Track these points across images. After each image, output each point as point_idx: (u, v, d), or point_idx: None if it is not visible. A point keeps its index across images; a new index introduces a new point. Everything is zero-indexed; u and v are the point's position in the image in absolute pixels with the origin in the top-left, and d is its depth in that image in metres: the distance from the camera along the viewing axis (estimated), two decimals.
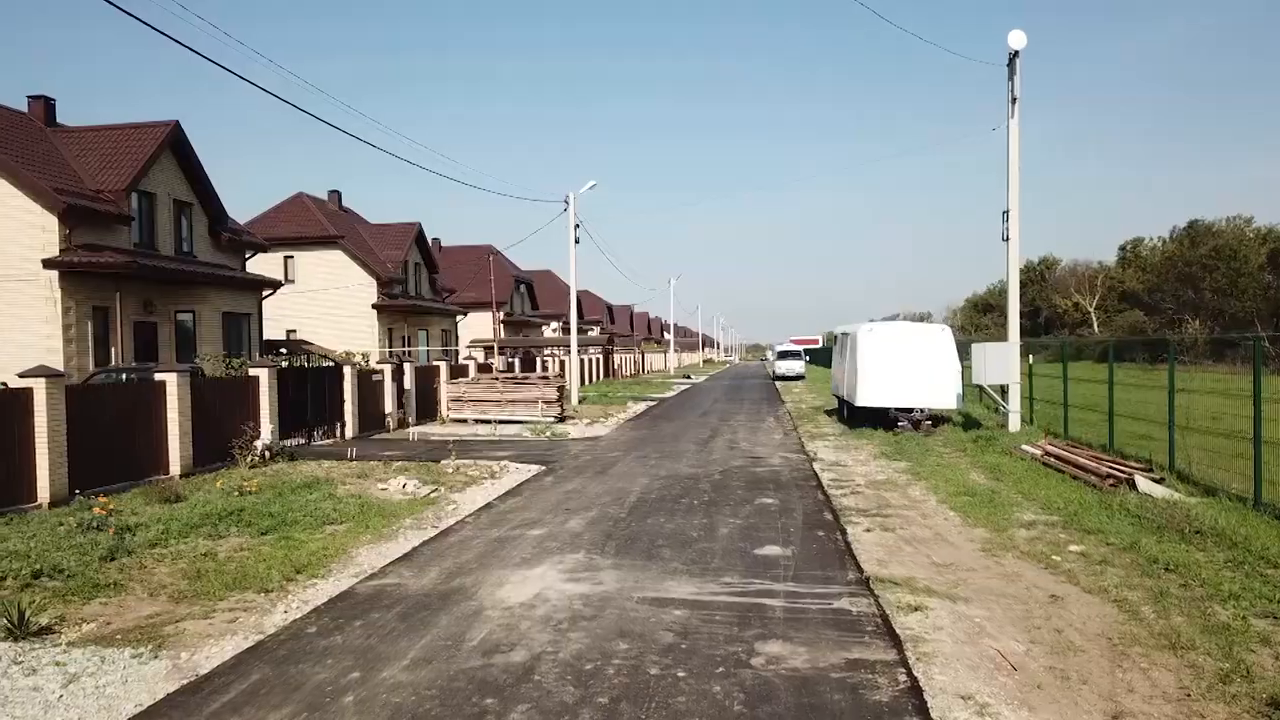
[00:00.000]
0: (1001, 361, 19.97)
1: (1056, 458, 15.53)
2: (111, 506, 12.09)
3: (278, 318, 39.14)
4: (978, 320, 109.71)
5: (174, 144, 26.29)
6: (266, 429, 17.67)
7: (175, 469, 15.28)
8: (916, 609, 7.84)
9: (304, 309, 39.48)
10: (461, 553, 10.08)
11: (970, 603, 8.07)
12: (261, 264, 35.82)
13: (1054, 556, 9.61)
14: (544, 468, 17.04)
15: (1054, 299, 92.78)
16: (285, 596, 8.46)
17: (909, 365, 21.36)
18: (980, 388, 23.30)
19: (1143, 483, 12.80)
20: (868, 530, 11.15)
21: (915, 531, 11.07)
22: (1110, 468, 13.82)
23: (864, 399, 21.62)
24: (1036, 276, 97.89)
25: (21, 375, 12.65)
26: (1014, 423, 20.18)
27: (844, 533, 10.99)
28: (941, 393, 21.34)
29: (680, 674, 6.26)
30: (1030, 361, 21.45)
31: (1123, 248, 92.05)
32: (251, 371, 18.36)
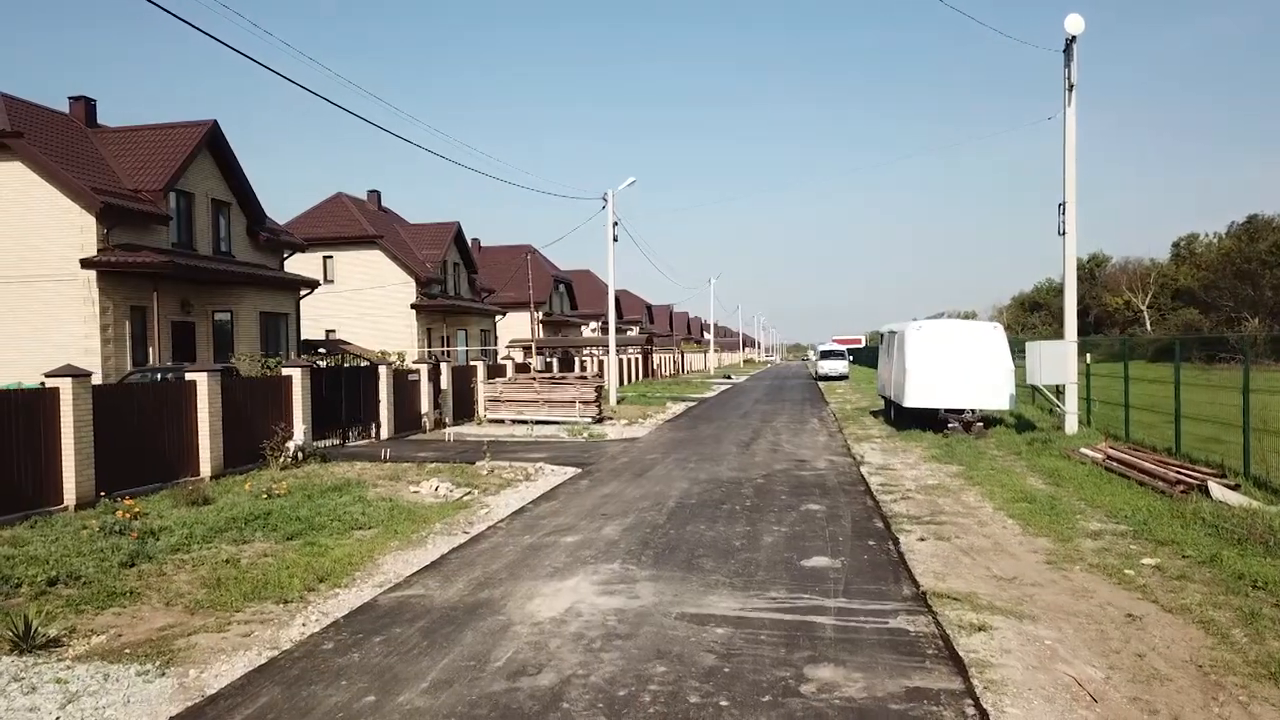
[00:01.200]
0: (1058, 360, 19.09)
1: (1120, 462, 14.70)
2: (137, 509, 11.81)
3: (317, 318, 39.17)
4: (1025, 319, 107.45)
5: (212, 143, 26.22)
6: (299, 429, 17.38)
7: (206, 470, 15.01)
8: (980, 629, 7.20)
9: (343, 309, 39.45)
10: (491, 561, 9.59)
11: (1039, 622, 7.41)
12: (301, 264, 35.83)
13: (1126, 570, 8.88)
14: (580, 470, 16.54)
15: (1104, 297, 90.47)
16: (305, 608, 8.03)
17: (959, 365, 20.55)
18: (1034, 388, 22.43)
19: (1216, 489, 11.97)
20: (921, 539, 10.48)
21: (973, 541, 10.38)
22: (1179, 473, 12.99)
23: (912, 400, 20.85)
24: (1086, 274, 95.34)
25: (47, 375, 12.42)
26: (1071, 424, 19.30)
27: (896, 542, 10.34)
28: (994, 393, 20.50)
29: (723, 703, 5.70)
30: (1088, 361, 20.52)
31: (1176, 244, 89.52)
32: (284, 371, 18.08)
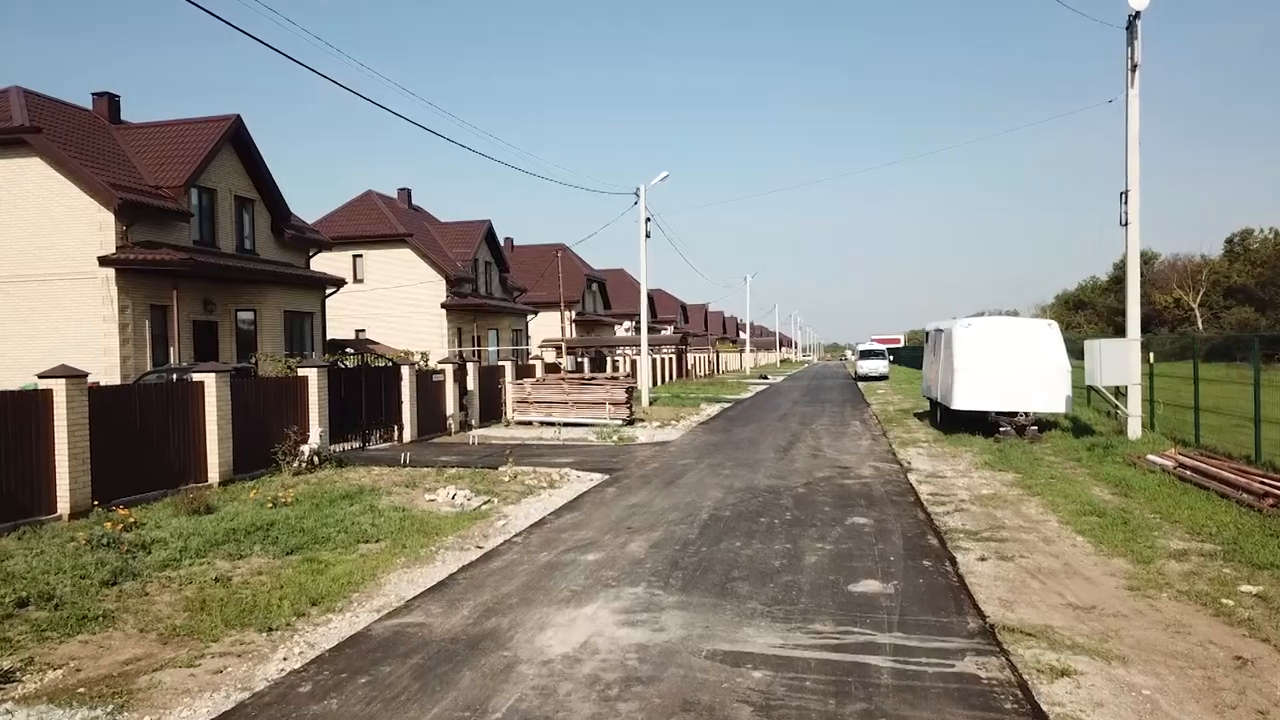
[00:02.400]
0: (1119, 360, 17.82)
1: (1194, 470, 13.45)
2: (132, 519, 11.07)
3: (346, 317, 38.66)
4: (1069, 318, 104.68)
5: (235, 139, 25.65)
6: (315, 433, 16.61)
7: (214, 476, 14.27)
8: (1063, 673, 6.14)
9: (372, 308, 38.90)
10: (503, 583, 8.67)
11: (1131, 665, 6.33)
12: (330, 263, 35.31)
13: (1224, 600, 7.76)
14: (607, 476, 15.60)
15: (1153, 295, 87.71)
16: (290, 638, 7.16)
17: (1012, 365, 19.31)
18: (1091, 390, 21.13)
19: None
20: (982, 559, 9.41)
21: (1039, 561, 9.29)
22: (1266, 484, 11.75)
23: (961, 402, 19.66)
24: None
25: (41, 375, 11.71)
26: (1134, 429, 18.00)
27: (954, 562, 9.27)
28: (1049, 395, 19.24)
29: None
30: (1151, 360, 19.19)
31: (1230, 240, 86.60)
32: (300, 371, 17.32)
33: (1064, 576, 8.72)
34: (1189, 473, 13.49)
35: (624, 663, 6.36)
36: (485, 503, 13.05)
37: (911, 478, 15.03)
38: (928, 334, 25.02)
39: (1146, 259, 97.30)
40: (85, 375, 12.06)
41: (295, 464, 15.69)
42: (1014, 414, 19.46)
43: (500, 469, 15.92)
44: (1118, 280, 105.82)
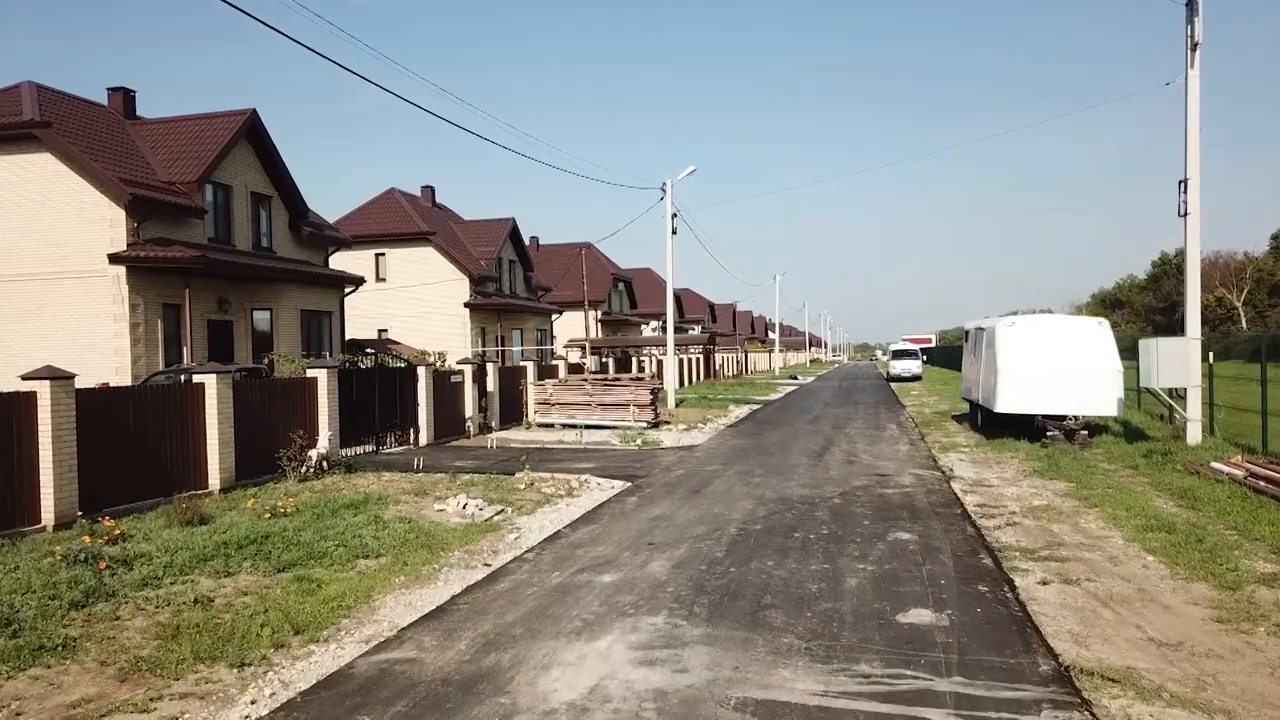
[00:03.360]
0: (1178, 360, 16.66)
1: (1269, 481, 12.32)
2: (120, 531, 10.32)
3: (368, 317, 38.08)
4: (1107, 317, 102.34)
5: (250, 133, 25.04)
6: (324, 436, 15.84)
7: (214, 483, 13.54)
8: None
9: (394, 308, 38.29)
10: (507, 609, 7.79)
11: None
12: (353, 262, 34.71)
13: None
14: (629, 484, 14.70)
15: None
16: (263, 675, 6.33)
17: (1060, 365, 18.19)
18: (1144, 392, 19.93)
19: None
20: (1043, 582, 8.40)
21: (1109, 586, 8.27)
22: None
23: (1005, 404, 18.55)
24: (1172, 269, 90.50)
25: (24, 377, 10.99)
26: (1194, 434, 16.82)
27: (1013, 586, 8.28)
28: (1100, 397, 18.08)
29: None
30: (1210, 360, 17.99)
31: (1276, 237, 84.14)
32: (309, 372, 16.58)
33: (1140, 605, 7.70)
34: (1263, 483, 12.35)
35: (639, 713, 5.45)
36: (498, 513, 12.20)
37: (955, 486, 14.01)
38: (967, 333, 23.89)
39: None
40: (72, 377, 11.34)
41: (303, 469, 14.95)
42: (1062, 417, 18.34)
43: (517, 475, 15.07)
44: (1156, 279, 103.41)
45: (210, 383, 13.53)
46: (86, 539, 9.56)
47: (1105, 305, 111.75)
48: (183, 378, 17.46)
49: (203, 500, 12.62)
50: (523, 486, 14.22)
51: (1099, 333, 18.56)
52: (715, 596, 8.01)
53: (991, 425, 20.32)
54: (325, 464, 15.50)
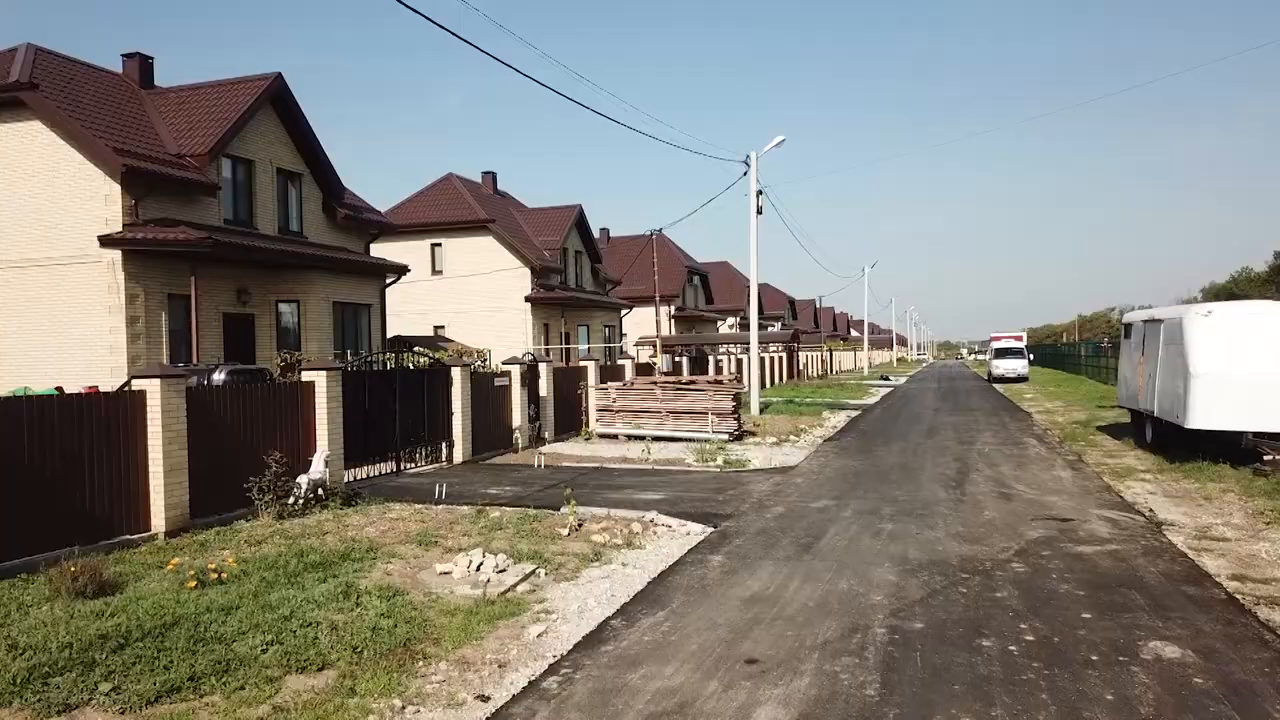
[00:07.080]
0: None
1: None
2: None
3: (422, 311, 35.08)
4: None
5: (276, 101, 21.95)
6: (319, 457, 12.41)
7: (158, 523, 10.19)
8: None
9: (449, 301, 35.22)
10: None
11: None
12: (407, 253, 31.64)
13: None
14: (710, 529, 10.89)
15: None
16: None
17: (1277, 368, 13.81)
18: None
19: None
20: None
21: None
22: None
23: (1200, 418, 14.21)
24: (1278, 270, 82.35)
25: None
26: None
27: None
28: None
29: None
30: None
31: None
32: (305, 376, 13.17)
33: None
34: None
35: None
36: (523, 579, 8.53)
37: (1175, 540, 9.84)
38: (1127, 326, 19.40)
39: None
40: None
41: (290, 500, 11.56)
42: None
43: (562, 510, 11.36)
44: (1277, 270, 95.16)
45: (153, 389, 10.15)
46: None
47: (1220, 300, 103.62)
48: (193, 379, 14.25)
49: (132, 552, 9.27)
50: (565, 531, 10.54)
51: None
52: None
53: (1172, 443, 15.94)
54: (320, 492, 12.09)
